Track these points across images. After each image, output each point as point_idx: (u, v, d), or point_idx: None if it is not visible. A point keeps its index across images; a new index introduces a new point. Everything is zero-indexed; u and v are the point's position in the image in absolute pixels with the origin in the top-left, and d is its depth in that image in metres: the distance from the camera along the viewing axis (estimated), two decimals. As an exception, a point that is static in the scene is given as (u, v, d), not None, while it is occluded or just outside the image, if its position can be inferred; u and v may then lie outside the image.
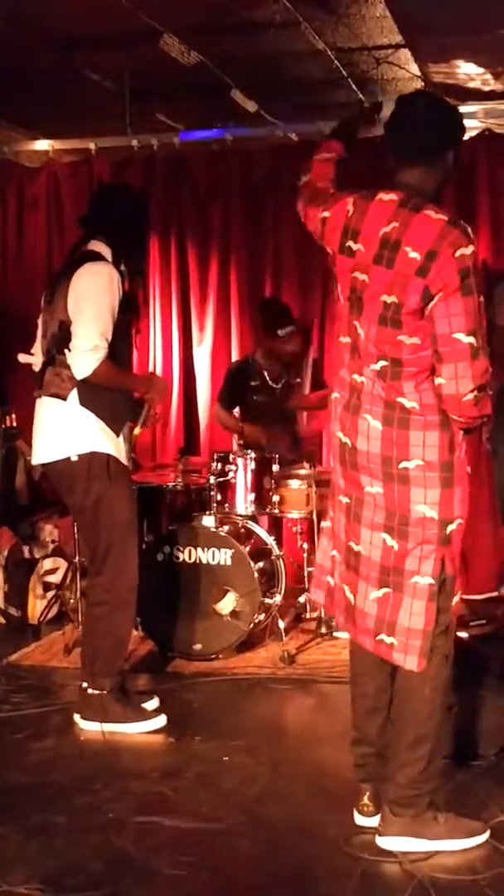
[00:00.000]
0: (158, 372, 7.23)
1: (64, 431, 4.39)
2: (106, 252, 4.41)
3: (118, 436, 4.42)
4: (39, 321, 4.57)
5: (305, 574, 5.92)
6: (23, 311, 4.58)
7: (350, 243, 3.30)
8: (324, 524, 3.66)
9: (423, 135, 3.29)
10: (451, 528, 3.27)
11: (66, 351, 4.33)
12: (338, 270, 3.38)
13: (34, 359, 4.59)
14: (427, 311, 3.12)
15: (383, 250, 3.19)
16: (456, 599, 3.37)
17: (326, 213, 3.42)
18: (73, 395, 4.34)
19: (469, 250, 3.10)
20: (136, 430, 4.72)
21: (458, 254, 3.08)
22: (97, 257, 4.39)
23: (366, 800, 3.53)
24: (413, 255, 3.11)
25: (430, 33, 5.82)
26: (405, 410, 3.22)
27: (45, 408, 4.46)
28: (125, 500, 4.50)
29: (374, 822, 3.47)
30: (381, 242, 3.19)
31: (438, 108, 3.38)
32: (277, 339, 6.37)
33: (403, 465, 3.23)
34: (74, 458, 4.37)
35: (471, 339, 3.11)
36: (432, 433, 3.21)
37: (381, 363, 3.22)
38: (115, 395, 4.41)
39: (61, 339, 4.35)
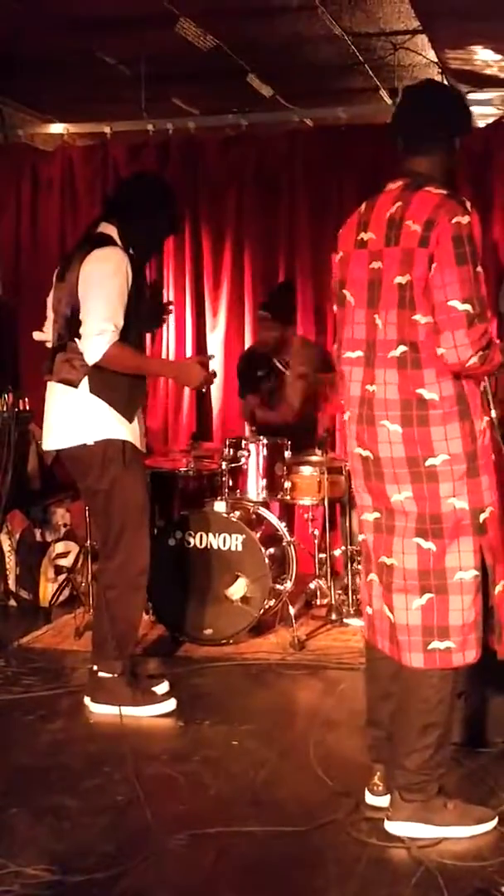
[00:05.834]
0: (171, 357, 7.22)
1: (77, 419, 4.37)
2: (115, 235, 4.40)
3: (131, 422, 4.41)
4: (49, 299, 4.56)
5: (316, 561, 5.92)
6: (36, 294, 4.59)
7: (362, 235, 3.35)
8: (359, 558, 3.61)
9: (429, 122, 3.35)
10: (483, 516, 3.27)
11: (76, 338, 4.33)
12: (350, 273, 3.38)
13: (47, 336, 4.59)
14: (428, 282, 3.15)
15: (390, 230, 3.24)
16: (499, 589, 3.32)
17: (341, 230, 3.48)
18: (84, 382, 4.33)
19: (465, 219, 3.14)
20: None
21: (453, 221, 3.13)
22: (106, 241, 4.37)
23: (376, 780, 3.54)
24: (414, 227, 3.17)
25: (447, 19, 5.80)
26: (423, 405, 3.21)
27: (56, 394, 4.46)
28: (139, 485, 4.50)
29: (384, 801, 3.48)
30: (388, 223, 3.25)
31: (444, 95, 3.46)
32: (258, 318, 6.38)
33: (430, 462, 3.23)
34: (90, 444, 4.36)
35: (466, 307, 3.13)
36: (453, 425, 3.21)
37: (401, 349, 3.22)
38: (126, 381, 4.38)
39: (74, 324, 4.34)
